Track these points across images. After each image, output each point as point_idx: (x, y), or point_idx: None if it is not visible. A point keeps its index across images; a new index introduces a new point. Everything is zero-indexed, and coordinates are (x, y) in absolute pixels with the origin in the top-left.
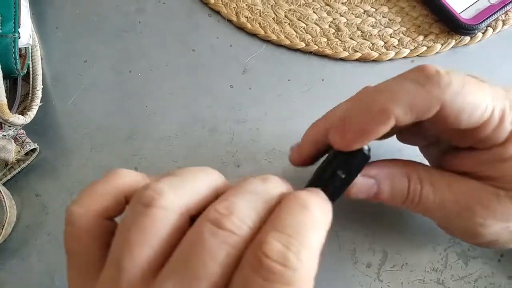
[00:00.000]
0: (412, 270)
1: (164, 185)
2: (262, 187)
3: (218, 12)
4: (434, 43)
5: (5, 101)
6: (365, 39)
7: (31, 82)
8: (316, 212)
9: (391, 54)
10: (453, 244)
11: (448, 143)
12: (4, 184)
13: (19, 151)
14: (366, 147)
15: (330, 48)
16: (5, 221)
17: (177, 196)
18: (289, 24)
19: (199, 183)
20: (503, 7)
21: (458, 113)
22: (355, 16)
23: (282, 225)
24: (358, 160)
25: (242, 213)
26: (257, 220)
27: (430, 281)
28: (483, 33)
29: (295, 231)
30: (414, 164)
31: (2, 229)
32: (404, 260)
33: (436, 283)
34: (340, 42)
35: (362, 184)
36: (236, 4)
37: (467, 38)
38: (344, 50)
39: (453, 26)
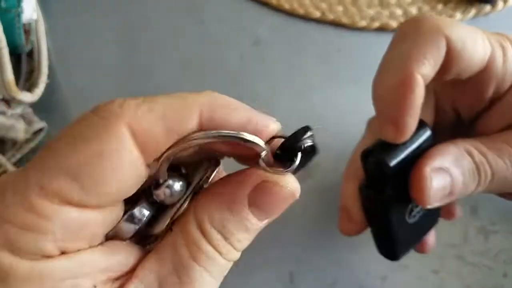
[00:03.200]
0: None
1: None
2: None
3: None
4: (454, 11)
5: (12, 78)
6: (383, 8)
7: (36, 58)
8: None
9: None
10: (472, 218)
11: (472, 111)
12: (13, 165)
13: (27, 130)
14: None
15: (347, 17)
16: None
17: None
18: None
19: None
20: None
21: (463, 45)
22: None
23: None
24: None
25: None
26: None
27: (450, 256)
28: (504, 1)
29: None
30: (459, 139)
31: None
32: None
33: (456, 258)
34: (357, 11)
35: (439, 183)
36: None
37: (488, 7)
38: (361, 19)
39: None
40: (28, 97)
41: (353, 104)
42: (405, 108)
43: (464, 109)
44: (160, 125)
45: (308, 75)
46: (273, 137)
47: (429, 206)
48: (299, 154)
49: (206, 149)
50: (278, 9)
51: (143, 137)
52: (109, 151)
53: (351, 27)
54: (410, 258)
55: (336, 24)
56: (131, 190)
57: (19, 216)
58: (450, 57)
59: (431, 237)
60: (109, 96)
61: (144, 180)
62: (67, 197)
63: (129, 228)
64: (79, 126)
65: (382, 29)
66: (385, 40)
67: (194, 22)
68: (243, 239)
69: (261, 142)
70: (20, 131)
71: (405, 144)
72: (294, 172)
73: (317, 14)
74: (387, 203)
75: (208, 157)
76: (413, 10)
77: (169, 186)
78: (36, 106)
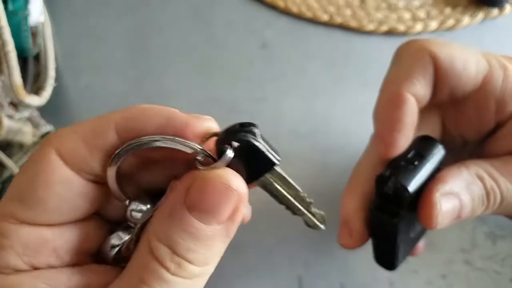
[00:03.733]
0: (439, 251)
1: None
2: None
3: None
4: (462, 15)
5: (20, 82)
6: (391, 11)
7: (43, 61)
8: None
9: (419, 27)
10: (480, 223)
11: (477, 134)
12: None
13: (34, 134)
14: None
15: (355, 20)
16: None
17: None
18: None
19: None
20: None
21: (451, 63)
22: None
23: None
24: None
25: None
26: None
27: (458, 261)
28: None
29: None
30: (470, 161)
31: None
32: (432, 241)
33: (464, 263)
34: (365, 14)
35: (448, 208)
36: None
37: (496, 11)
38: (369, 22)
39: None
40: (36, 100)
41: (361, 108)
42: (392, 124)
43: (469, 132)
44: (81, 143)
45: (315, 78)
46: (211, 136)
47: (436, 229)
48: (229, 147)
49: (158, 164)
50: (286, 12)
51: (69, 156)
52: (41, 171)
53: (359, 31)
54: (418, 263)
55: (344, 28)
56: (82, 207)
57: None
58: (439, 75)
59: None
60: (116, 99)
61: (95, 197)
62: (20, 217)
63: (109, 251)
64: (30, 157)
65: (390, 33)
66: (393, 44)
67: (202, 25)
68: (195, 248)
69: (183, 143)
70: (27, 134)
71: (420, 165)
72: (250, 178)
73: (325, 17)
74: (399, 225)
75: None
76: (421, 14)
77: (133, 208)
78: (43, 109)
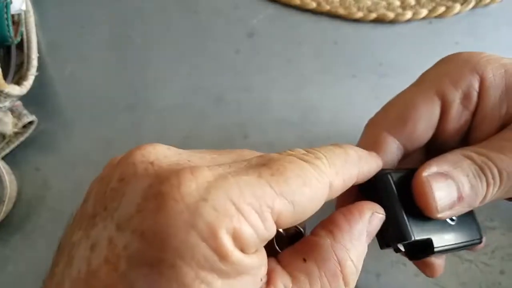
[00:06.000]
0: None
1: None
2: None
3: None
4: (454, 2)
5: None
6: None
7: (25, 50)
8: None
9: (408, 14)
10: None
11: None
12: (2, 159)
13: (16, 124)
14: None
15: (344, 8)
16: (6, 196)
17: None
18: None
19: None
20: None
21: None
22: None
23: None
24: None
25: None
26: None
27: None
28: None
29: None
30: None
31: (3, 205)
32: None
33: (452, 255)
34: (353, 1)
35: (441, 186)
36: None
37: None
38: (358, 10)
39: None
40: (16, 90)
41: (349, 97)
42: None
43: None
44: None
45: (304, 67)
46: None
47: (441, 215)
48: None
49: None
50: (273, 0)
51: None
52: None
53: (348, 18)
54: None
55: (332, 15)
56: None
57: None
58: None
59: (441, 260)
60: (100, 88)
61: None
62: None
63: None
64: None
65: (379, 20)
66: (382, 32)
67: (187, 13)
68: None
69: None
70: (8, 124)
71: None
72: None
73: (313, 4)
74: (391, 174)
75: None
76: (411, 1)
77: None
78: (27, 99)
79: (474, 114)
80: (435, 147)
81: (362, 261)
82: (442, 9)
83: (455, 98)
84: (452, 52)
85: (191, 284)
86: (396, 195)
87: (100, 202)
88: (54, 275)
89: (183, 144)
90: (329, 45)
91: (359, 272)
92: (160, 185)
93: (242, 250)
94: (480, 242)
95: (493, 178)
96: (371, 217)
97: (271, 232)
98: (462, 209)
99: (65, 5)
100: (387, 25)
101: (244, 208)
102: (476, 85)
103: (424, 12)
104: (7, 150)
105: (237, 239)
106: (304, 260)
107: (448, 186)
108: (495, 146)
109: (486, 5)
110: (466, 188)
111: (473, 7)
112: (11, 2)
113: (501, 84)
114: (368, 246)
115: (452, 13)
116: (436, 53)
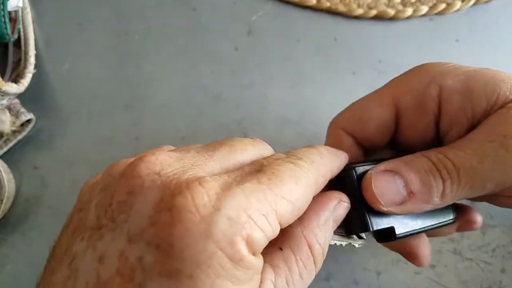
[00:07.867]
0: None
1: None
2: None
3: None
4: None
5: None
6: None
7: (23, 48)
8: None
9: (409, 11)
10: None
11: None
12: (0, 157)
13: (14, 122)
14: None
15: (344, 5)
16: (4, 195)
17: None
18: None
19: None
20: None
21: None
22: None
23: None
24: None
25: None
26: None
27: (447, 251)
28: None
29: None
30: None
31: (1, 203)
32: None
33: (453, 253)
34: None
35: (385, 181)
36: None
37: None
38: (358, 7)
39: None
40: (13, 88)
41: (348, 94)
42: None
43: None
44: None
45: (303, 64)
46: None
47: (388, 209)
48: None
49: None
50: None
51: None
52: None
53: (348, 15)
54: None
55: (332, 12)
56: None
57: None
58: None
59: (425, 249)
60: (98, 85)
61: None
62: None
63: None
64: None
65: (379, 17)
66: (382, 29)
67: (185, 10)
68: None
69: None
70: (5, 123)
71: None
72: None
73: (312, 1)
74: (355, 168)
75: None
76: None
77: None
78: (24, 97)
79: (439, 119)
80: (408, 150)
81: (328, 245)
82: (442, 6)
83: (409, 105)
84: (452, 50)
85: None
86: (357, 188)
87: (106, 214)
88: (52, 284)
89: (182, 142)
90: (328, 42)
91: (325, 255)
92: (173, 198)
93: (254, 253)
94: (454, 222)
95: (449, 173)
96: (336, 205)
97: (276, 232)
98: (416, 205)
99: (63, 2)
100: (387, 22)
101: (253, 214)
102: (434, 93)
103: (424, 9)
104: (5, 149)
105: (249, 244)
106: (281, 249)
107: (393, 182)
108: (455, 145)
109: (487, 2)
110: (416, 185)
111: (474, 4)
112: None
113: (461, 89)
114: (369, 244)
115: (453, 10)
116: (437, 50)
